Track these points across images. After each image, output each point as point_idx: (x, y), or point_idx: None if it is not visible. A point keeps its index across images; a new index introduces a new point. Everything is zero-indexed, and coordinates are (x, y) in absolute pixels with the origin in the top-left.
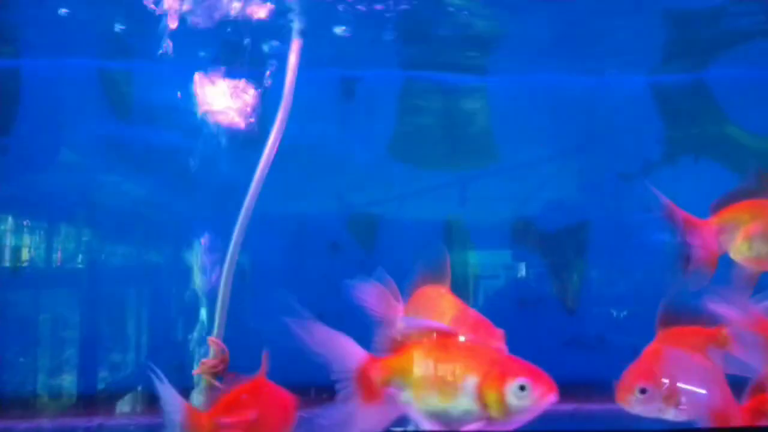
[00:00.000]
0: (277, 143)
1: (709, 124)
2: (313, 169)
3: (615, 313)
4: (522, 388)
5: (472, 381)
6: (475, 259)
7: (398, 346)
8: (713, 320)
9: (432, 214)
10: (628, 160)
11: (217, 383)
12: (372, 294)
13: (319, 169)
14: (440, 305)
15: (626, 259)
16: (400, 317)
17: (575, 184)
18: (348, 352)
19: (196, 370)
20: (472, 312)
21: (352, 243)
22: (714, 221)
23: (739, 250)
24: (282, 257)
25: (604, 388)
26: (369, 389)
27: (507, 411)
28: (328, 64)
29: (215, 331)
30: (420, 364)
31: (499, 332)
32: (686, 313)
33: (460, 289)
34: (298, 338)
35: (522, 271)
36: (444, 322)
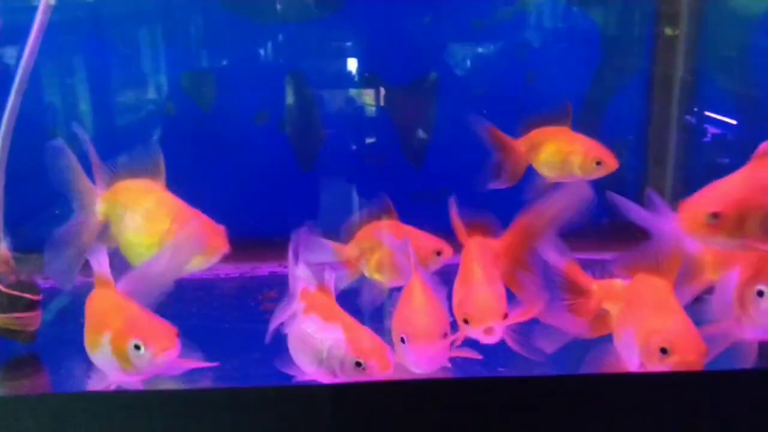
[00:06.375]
0: None
1: None
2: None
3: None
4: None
5: None
6: (318, 114)
7: None
8: None
9: (273, 67)
10: None
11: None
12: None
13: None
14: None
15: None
16: None
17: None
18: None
19: None
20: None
21: (191, 105)
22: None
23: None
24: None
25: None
26: None
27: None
28: None
29: None
30: None
31: (221, 228)
32: None
33: (305, 144)
34: None
35: (366, 125)
36: (161, 220)
